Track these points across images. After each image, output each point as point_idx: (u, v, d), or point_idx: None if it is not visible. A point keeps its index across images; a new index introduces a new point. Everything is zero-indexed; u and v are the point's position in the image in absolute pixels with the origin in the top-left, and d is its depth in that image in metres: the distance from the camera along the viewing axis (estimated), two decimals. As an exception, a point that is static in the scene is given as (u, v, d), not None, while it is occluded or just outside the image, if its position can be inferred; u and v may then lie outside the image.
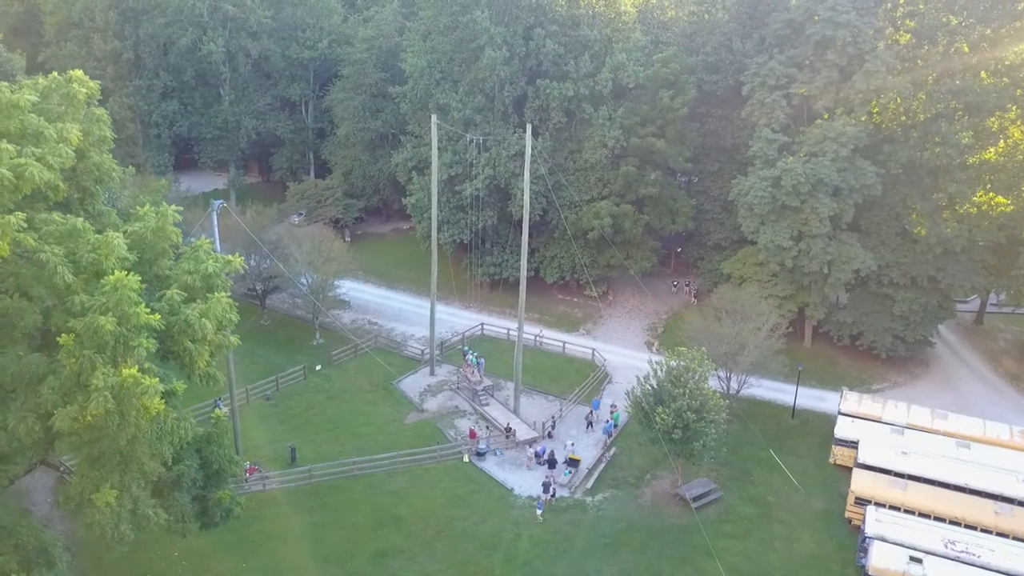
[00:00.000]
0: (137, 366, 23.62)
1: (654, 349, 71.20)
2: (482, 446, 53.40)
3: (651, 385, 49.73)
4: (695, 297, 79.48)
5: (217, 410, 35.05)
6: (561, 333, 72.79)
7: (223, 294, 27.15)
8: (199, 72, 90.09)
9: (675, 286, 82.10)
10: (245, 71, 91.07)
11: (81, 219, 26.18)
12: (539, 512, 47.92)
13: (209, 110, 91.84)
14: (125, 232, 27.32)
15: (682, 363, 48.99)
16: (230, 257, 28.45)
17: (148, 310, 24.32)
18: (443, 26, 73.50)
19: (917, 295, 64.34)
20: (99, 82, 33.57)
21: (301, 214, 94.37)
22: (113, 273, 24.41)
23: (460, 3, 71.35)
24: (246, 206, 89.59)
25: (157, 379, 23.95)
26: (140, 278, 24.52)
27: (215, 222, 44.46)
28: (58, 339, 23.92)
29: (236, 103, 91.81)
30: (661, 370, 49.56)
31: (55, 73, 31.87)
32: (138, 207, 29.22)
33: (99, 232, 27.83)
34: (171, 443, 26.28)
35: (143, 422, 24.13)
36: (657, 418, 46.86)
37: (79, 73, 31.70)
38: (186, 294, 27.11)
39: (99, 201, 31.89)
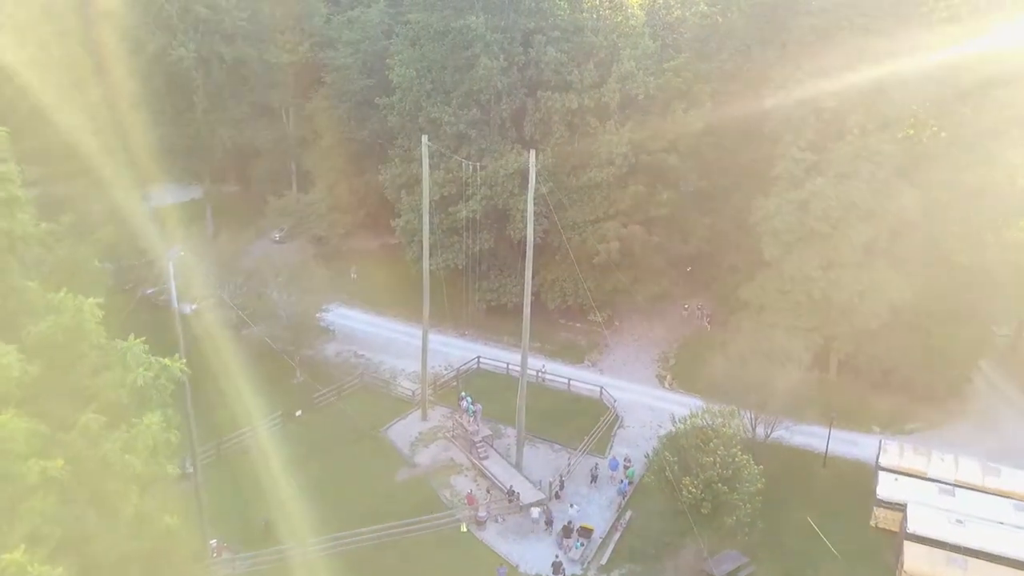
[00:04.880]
0: (23, 546, 17.47)
1: (667, 384, 65.43)
2: (482, 513, 47.43)
3: (672, 439, 44.04)
4: (709, 322, 73.57)
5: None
6: (565, 366, 66.89)
7: (155, 417, 20.93)
8: (169, 78, 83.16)
9: (686, 309, 76.07)
10: (219, 77, 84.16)
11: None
12: None
13: (180, 119, 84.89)
14: (26, 337, 21.10)
15: (708, 423, 43.28)
16: (167, 361, 22.25)
17: (42, 464, 18.12)
18: (434, 31, 67.00)
19: (957, 327, 58.62)
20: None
21: (283, 230, 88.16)
22: None
23: (452, 6, 64.90)
24: (220, 228, 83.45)
25: (60, 568, 17.60)
26: (27, 424, 18.30)
27: (171, 275, 38.17)
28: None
29: (210, 111, 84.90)
30: (686, 430, 43.73)
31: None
32: (52, 292, 22.90)
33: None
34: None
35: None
36: (684, 491, 41.03)
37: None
38: (107, 418, 20.92)
39: (12, 275, 25.60)
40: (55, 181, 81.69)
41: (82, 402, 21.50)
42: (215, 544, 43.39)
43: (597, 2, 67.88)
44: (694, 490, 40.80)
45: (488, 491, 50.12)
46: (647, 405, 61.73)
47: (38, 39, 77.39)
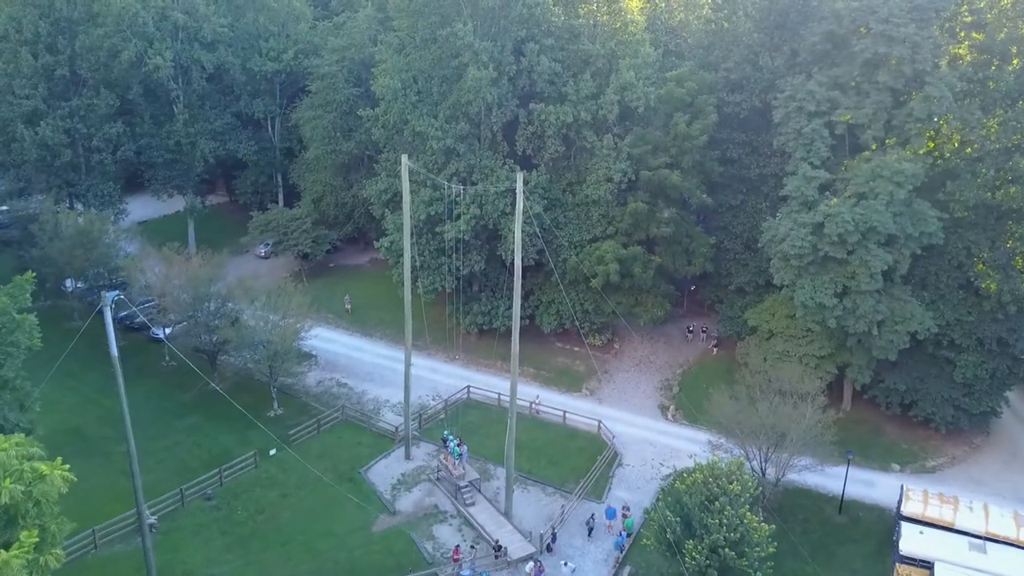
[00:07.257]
0: None
1: (670, 415, 61.12)
2: (466, 572, 43.19)
3: (674, 494, 39.83)
4: (715, 347, 69.20)
5: None
6: (561, 395, 62.62)
7: (30, 538, 16.72)
8: (147, 88, 79.20)
9: (690, 331, 71.62)
10: (200, 86, 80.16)
11: None
12: None
13: (160, 131, 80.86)
14: None
15: (713, 477, 38.97)
16: (44, 467, 18.11)
17: None
18: (420, 39, 62.76)
19: (983, 359, 54.27)
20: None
21: (267, 244, 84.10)
22: None
23: (439, 13, 60.65)
24: (203, 243, 79.28)
25: None
26: None
27: (109, 322, 34.02)
28: None
29: (191, 122, 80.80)
30: (689, 487, 39.40)
31: None
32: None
33: None
34: None
35: None
36: (687, 557, 36.79)
37: None
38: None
39: None
40: (27, 195, 78.07)
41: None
42: (170, 612, 39.34)
43: (594, 7, 63.69)
44: (698, 556, 36.56)
45: (473, 545, 45.85)
46: (648, 440, 57.51)
47: (9, 48, 73.66)
